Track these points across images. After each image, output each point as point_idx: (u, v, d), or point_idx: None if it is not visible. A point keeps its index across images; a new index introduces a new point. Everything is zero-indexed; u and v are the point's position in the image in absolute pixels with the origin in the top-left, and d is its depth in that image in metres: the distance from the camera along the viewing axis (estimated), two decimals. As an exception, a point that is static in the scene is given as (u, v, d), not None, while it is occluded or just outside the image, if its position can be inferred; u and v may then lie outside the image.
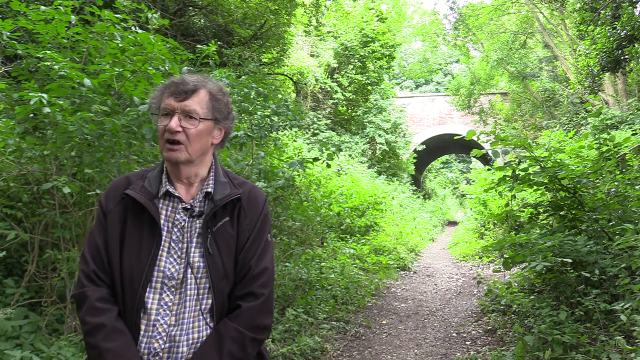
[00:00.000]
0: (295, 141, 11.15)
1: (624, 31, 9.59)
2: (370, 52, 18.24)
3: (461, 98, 23.05)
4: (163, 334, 1.47)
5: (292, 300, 5.49)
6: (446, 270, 10.31)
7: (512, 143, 5.25)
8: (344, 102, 18.45)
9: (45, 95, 3.20)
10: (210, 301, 1.51)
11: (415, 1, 39.94)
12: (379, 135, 19.41)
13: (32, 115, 3.50)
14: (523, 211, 6.71)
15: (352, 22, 18.53)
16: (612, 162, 5.73)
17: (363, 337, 5.30)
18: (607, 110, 13.35)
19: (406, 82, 43.47)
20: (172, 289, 1.49)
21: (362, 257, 8.81)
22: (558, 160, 5.26)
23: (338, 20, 18.75)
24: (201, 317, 1.50)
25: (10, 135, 3.58)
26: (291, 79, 15.29)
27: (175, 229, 1.53)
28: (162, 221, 1.52)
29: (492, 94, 23.86)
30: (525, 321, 5.01)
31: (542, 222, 5.85)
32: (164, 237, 1.51)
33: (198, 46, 5.21)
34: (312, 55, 17.47)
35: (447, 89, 26.15)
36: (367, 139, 19.26)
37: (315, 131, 16.81)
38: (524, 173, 5.28)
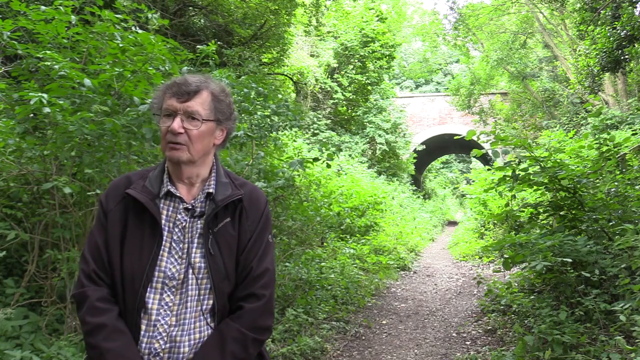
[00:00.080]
0: (295, 141, 11.16)
1: (624, 31, 9.59)
2: (370, 52, 18.24)
3: (461, 98, 23.04)
4: (164, 334, 1.47)
5: (292, 300, 5.49)
6: (446, 270, 10.31)
7: (512, 143, 5.25)
8: (344, 102, 18.45)
9: (45, 95, 3.20)
10: (211, 302, 1.51)
11: (415, 1, 39.98)
12: (379, 135, 19.41)
13: (32, 115, 3.50)
14: (523, 211, 6.70)
15: (352, 22, 18.53)
16: (612, 162, 5.74)
17: (363, 337, 5.30)
18: (607, 110, 13.35)
19: (406, 82, 43.47)
20: (173, 289, 1.49)
21: (362, 257, 8.81)
22: (558, 160, 5.26)
23: (338, 20, 18.75)
24: (202, 317, 1.50)
25: (10, 135, 3.58)
26: (291, 79, 15.29)
27: (177, 229, 1.52)
28: (163, 221, 1.51)
29: (492, 94, 23.85)
30: (525, 321, 5.01)
31: (542, 222, 5.85)
32: (165, 237, 1.50)
33: (198, 46, 5.20)
34: (312, 55, 17.46)
35: (447, 89, 26.15)
36: (367, 139, 19.27)
37: (315, 131, 16.81)
38: (524, 173, 5.28)
